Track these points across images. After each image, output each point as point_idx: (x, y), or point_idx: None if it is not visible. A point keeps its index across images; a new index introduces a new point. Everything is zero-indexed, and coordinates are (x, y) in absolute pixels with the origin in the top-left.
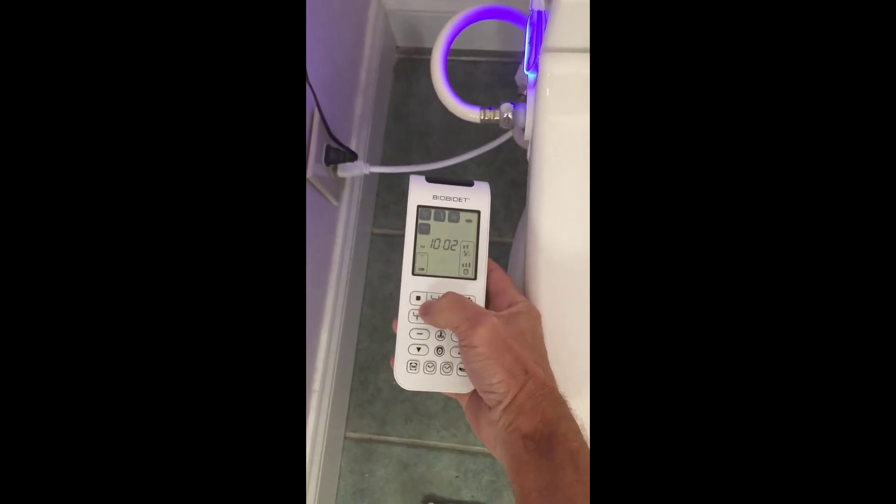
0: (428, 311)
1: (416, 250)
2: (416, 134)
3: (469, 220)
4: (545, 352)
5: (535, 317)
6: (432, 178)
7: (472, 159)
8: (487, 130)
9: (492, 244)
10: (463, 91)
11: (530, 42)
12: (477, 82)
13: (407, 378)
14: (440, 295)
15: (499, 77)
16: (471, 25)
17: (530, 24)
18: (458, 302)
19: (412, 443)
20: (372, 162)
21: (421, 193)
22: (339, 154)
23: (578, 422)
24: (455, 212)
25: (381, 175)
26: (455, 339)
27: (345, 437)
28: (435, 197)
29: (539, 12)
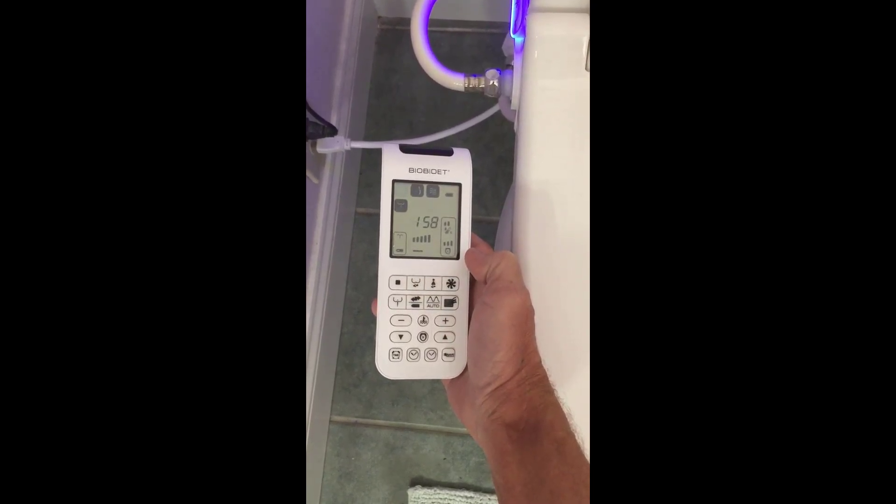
0: (480, 254)
1: (394, 230)
2: (399, 109)
3: (449, 194)
4: (534, 334)
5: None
6: (407, 147)
7: (457, 135)
8: (474, 106)
9: (479, 223)
10: (448, 64)
11: (517, 3)
12: (463, 54)
13: (389, 367)
14: (421, 278)
15: (485, 49)
16: None
17: None
18: (518, 266)
19: (399, 425)
20: (354, 137)
21: (395, 166)
22: (317, 128)
23: (566, 410)
24: (434, 185)
25: (365, 152)
26: (438, 323)
27: (330, 421)
28: (411, 170)
29: None
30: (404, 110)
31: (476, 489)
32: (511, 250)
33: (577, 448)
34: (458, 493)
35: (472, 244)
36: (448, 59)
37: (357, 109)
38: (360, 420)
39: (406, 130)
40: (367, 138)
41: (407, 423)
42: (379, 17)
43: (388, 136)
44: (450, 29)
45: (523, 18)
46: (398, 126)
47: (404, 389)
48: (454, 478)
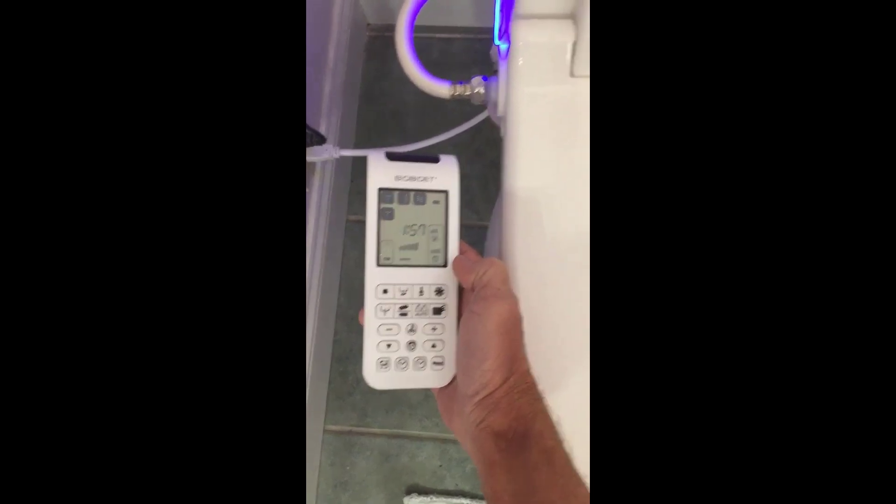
0: (468, 262)
1: (381, 238)
2: (390, 115)
3: (437, 202)
4: (523, 342)
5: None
6: (394, 154)
7: (448, 140)
8: (465, 111)
9: (471, 228)
10: (437, 69)
11: (501, 9)
12: (452, 60)
13: (377, 377)
14: (409, 287)
15: (475, 54)
16: (445, 1)
17: None
18: (507, 273)
19: (394, 433)
20: (344, 145)
21: (382, 174)
22: (306, 137)
23: (555, 418)
24: (421, 193)
25: (356, 159)
26: (427, 331)
27: (324, 430)
28: (398, 177)
29: None
30: (395, 116)
31: (472, 496)
32: (499, 256)
33: (566, 457)
34: (454, 500)
35: (461, 251)
36: (437, 65)
37: (347, 117)
38: (354, 429)
39: (397, 136)
40: (357, 145)
41: (402, 431)
42: (368, 25)
43: (378, 143)
44: (438, 35)
45: (507, 25)
46: (389, 132)
47: (399, 397)
48: (450, 485)
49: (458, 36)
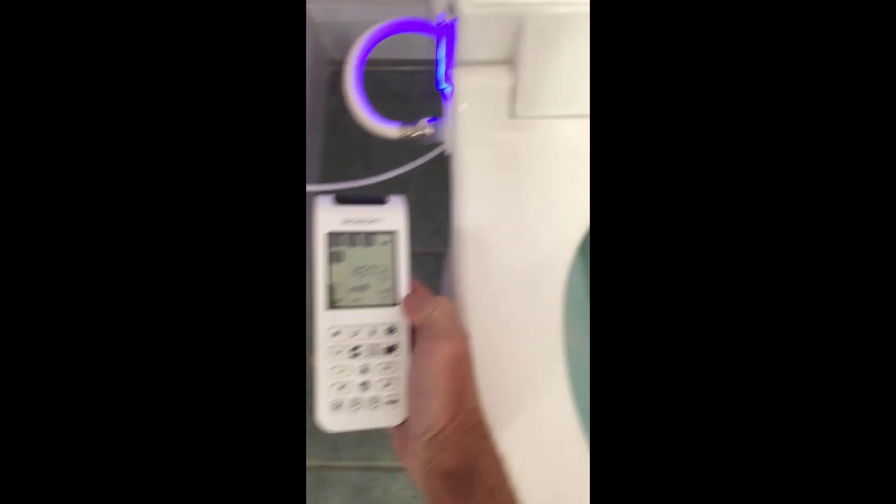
0: (416, 300)
1: (331, 281)
2: (354, 146)
3: (385, 242)
4: (475, 378)
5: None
6: (342, 197)
7: (414, 170)
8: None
9: (439, 256)
10: (400, 102)
11: (446, 54)
12: (415, 92)
13: (331, 419)
14: (361, 328)
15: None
16: (405, 35)
17: (439, 36)
18: (454, 312)
19: (366, 465)
20: (310, 178)
21: (330, 219)
22: None
23: (499, 454)
24: (369, 235)
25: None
26: (380, 371)
27: None
28: (346, 221)
29: (448, 24)
30: (359, 147)
31: None
32: (452, 292)
33: (510, 494)
34: None
35: (412, 289)
36: (400, 98)
37: (311, 150)
38: (326, 463)
39: (362, 168)
40: (324, 177)
41: (374, 463)
42: (329, 59)
43: (344, 175)
44: (401, 68)
45: (450, 70)
46: (354, 164)
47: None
48: None
49: (420, 69)
